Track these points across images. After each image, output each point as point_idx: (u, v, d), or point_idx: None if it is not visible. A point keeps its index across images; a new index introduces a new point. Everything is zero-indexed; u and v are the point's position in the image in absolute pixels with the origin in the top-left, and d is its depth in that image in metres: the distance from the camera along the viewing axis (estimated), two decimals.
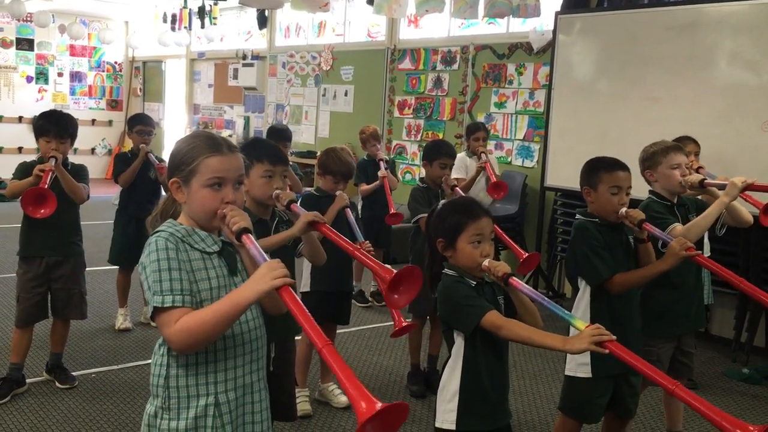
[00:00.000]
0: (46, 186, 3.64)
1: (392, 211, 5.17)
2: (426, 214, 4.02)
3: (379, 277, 2.16)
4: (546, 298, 2.27)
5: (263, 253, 1.79)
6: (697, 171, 3.87)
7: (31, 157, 3.96)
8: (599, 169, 2.93)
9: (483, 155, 5.18)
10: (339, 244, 2.50)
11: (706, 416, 1.88)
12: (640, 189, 3.32)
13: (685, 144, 4.03)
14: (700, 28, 5.27)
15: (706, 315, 4.24)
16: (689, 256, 2.79)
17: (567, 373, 2.99)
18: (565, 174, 6.02)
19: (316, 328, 1.61)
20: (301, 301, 1.66)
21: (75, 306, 4.03)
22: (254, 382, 1.93)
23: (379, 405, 1.45)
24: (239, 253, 1.91)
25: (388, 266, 2.09)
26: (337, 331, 4.27)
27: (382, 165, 5.71)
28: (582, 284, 2.96)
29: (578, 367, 2.92)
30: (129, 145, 5.69)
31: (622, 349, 2.03)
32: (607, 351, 2.03)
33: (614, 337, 2.04)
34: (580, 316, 2.84)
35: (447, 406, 2.35)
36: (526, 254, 3.80)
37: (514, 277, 2.25)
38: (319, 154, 3.87)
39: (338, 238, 2.51)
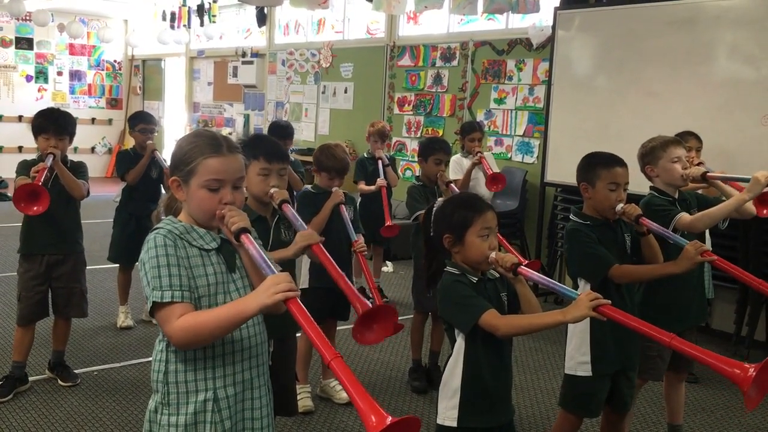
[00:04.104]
0: (41, 183, 3.64)
1: (388, 223, 5.09)
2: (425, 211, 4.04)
3: (354, 306, 2.30)
4: (555, 282, 2.31)
5: (262, 252, 1.80)
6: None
7: (32, 156, 3.95)
8: (597, 165, 2.89)
9: (478, 154, 5.14)
10: (328, 269, 2.61)
11: (706, 362, 1.97)
12: (640, 185, 3.32)
13: (686, 139, 4.02)
14: (698, 23, 5.27)
15: (707, 309, 4.24)
16: (707, 261, 2.75)
17: (567, 371, 2.97)
18: (565, 170, 6.02)
19: (325, 340, 1.61)
20: (309, 314, 1.64)
21: (76, 304, 4.03)
22: (254, 378, 1.93)
23: (389, 419, 1.42)
24: (238, 251, 1.91)
25: (367, 301, 2.18)
26: (338, 328, 4.28)
27: (380, 164, 5.69)
28: (582, 283, 2.94)
29: (578, 365, 2.91)
30: (129, 143, 5.68)
31: (616, 311, 2.13)
32: (605, 318, 2.11)
33: (609, 301, 2.12)
34: None
35: (449, 403, 2.35)
36: (527, 261, 3.80)
37: (522, 267, 2.27)
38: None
39: (328, 262, 2.62)
